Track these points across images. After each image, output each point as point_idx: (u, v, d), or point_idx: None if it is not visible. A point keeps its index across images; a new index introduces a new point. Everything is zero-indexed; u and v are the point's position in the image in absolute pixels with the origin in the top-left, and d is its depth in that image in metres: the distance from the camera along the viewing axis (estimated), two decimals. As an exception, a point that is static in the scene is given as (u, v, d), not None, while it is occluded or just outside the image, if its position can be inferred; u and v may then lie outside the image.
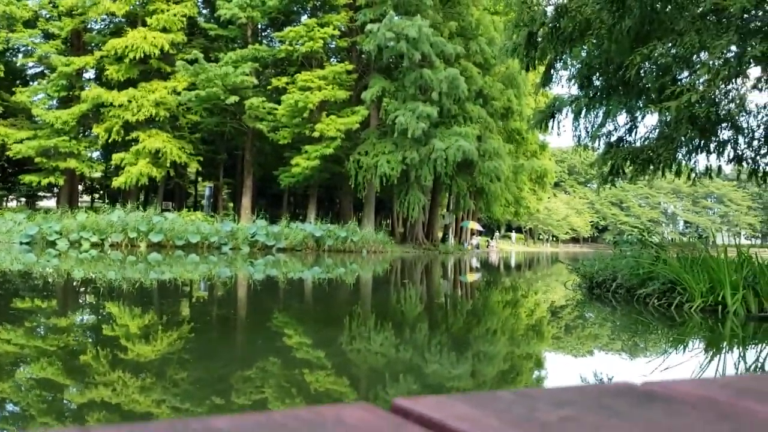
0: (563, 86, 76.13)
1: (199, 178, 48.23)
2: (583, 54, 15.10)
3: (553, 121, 16.65)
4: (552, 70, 15.65)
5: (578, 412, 0.64)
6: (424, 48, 29.57)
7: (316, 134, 30.21)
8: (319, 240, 29.87)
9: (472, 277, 18.82)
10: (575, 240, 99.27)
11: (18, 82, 35.99)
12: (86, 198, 51.25)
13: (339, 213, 38.93)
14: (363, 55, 33.73)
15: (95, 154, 37.49)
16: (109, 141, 31.90)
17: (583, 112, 15.83)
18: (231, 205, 46.46)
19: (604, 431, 0.59)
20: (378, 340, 6.42)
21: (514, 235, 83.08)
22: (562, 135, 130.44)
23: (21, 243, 25.81)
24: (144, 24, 32.65)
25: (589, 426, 0.60)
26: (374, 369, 5.04)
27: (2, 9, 30.61)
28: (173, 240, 27.60)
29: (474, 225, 47.64)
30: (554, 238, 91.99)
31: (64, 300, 9.48)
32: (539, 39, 13.77)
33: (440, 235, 43.53)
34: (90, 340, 5.98)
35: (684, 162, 15.20)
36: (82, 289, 11.13)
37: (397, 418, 0.62)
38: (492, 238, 64.78)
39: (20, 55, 36.88)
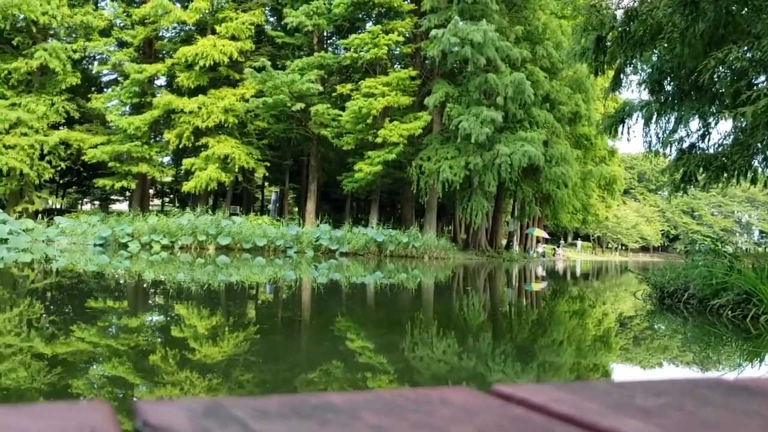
0: (633, 91, 74.03)
1: (266, 183, 49.13)
2: (654, 58, 14.68)
3: (623, 126, 16.25)
4: (621, 75, 15.28)
5: (674, 399, 0.66)
6: (489, 52, 29.30)
7: (379, 140, 30.33)
8: (381, 245, 29.95)
9: (537, 286, 18.50)
10: (645, 249, 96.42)
11: (93, 89, 37.48)
12: (157, 202, 52.88)
13: (400, 218, 38.94)
14: (427, 61, 33.69)
15: (166, 159, 38.69)
16: (180, 146, 32.82)
17: (654, 117, 15.38)
18: (296, 209, 47.12)
19: (703, 417, 0.60)
20: (440, 347, 6.36)
21: (579, 243, 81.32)
22: (632, 141, 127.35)
23: (95, 245, 26.80)
24: (213, 32, 33.49)
25: (688, 412, 0.61)
26: (436, 376, 4.99)
27: (80, 19, 31.93)
28: (241, 243, 28.17)
29: (539, 232, 46.82)
30: (623, 247, 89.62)
31: (135, 301, 9.78)
32: (608, 43, 13.46)
33: (504, 242, 42.99)
34: (159, 340, 6.13)
35: (760, 169, 14.59)
36: (152, 291, 11.46)
37: (498, 401, 0.65)
38: (558, 246, 63.58)
39: (96, 63, 38.41)
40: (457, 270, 23.17)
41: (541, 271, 28.24)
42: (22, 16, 31.19)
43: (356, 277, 16.35)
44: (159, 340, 6.11)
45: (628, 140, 79.67)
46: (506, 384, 0.69)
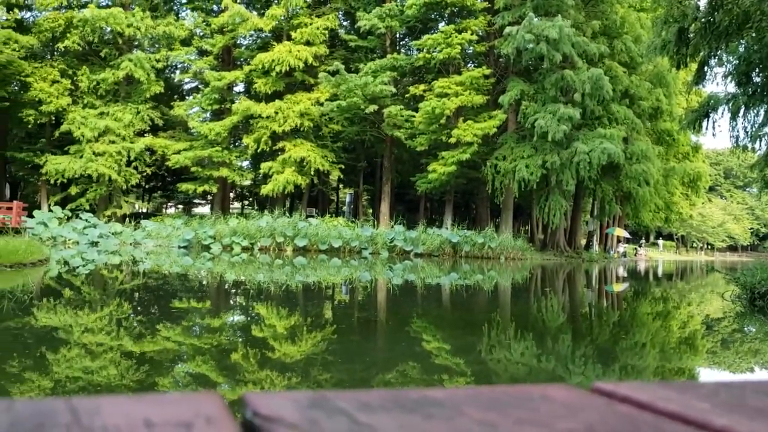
0: (718, 84, 71.08)
1: (341, 185, 49.70)
2: (741, 49, 14.01)
3: (708, 120, 15.60)
4: (705, 67, 14.67)
5: None
6: (565, 49, 28.67)
7: (452, 140, 30.15)
8: (456, 246, 29.78)
9: (618, 287, 17.98)
10: (732, 248, 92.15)
11: (176, 97, 38.79)
12: (237, 205, 54.32)
13: (475, 219, 38.59)
14: (501, 59, 33.25)
15: (245, 163, 39.65)
16: (258, 150, 33.58)
17: (742, 110, 14.69)
18: (370, 210, 47.47)
19: None
20: (518, 349, 6.26)
21: (661, 242, 78.51)
22: (717, 136, 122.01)
23: (179, 247, 27.78)
24: (289, 38, 34.12)
25: None
26: (514, 379, 4.92)
27: (162, 29, 33.14)
28: (317, 244, 28.60)
29: (620, 232, 45.46)
30: (709, 246, 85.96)
31: (218, 300, 10.08)
32: (691, 35, 12.95)
33: (583, 242, 41.97)
34: (240, 339, 6.29)
35: None
36: (234, 291, 11.77)
37: (601, 398, 0.64)
38: (639, 246, 61.62)
39: (177, 72, 39.79)
40: (535, 271, 22.78)
41: (622, 272, 27.43)
42: (108, 29, 32.65)
43: (431, 278, 16.32)
44: (242, 339, 6.27)
45: (713, 135, 76.48)
46: (607, 382, 0.67)
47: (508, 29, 29.20)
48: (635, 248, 58.81)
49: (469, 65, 35.78)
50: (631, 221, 47.49)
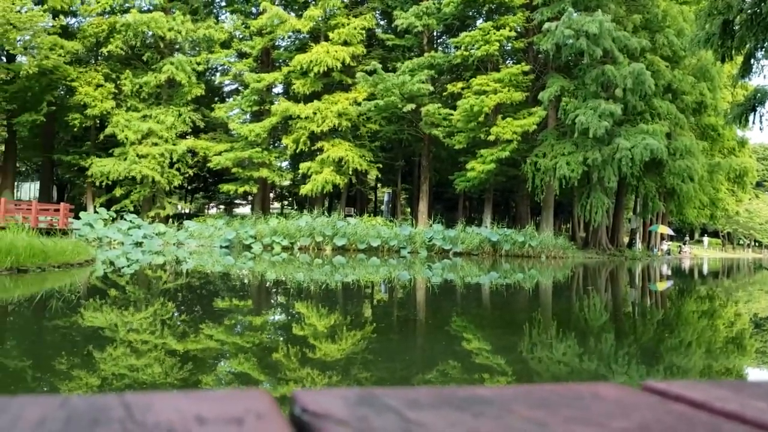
0: (765, 77, 69.20)
1: (379, 185, 49.78)
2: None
3: (755, 114, 15.20)
4: (752, 60, 14.30)
5: None
6: (605, 44, 28.22)
7: (491, 137, 29.94)
8: (496, 244, 29.57)
9: (662, 286, 17.64)
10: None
11: (216, 99, 39.32)
12: (277, 205, 54.83)
13: (515, 217, 38.25)
14: (540, 55, 32.87)
15: (284, 164, 40.00)
16: (297, 151, 33.84)
17: (791, 103, 14.27)
18: (408, 210, 47.43)
19: None
20: (560, 348, 6.19)
21: (706, 239, 76.69)
22: (765, 130, 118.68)
23: (221, 246, 28.18)
24: (326, 39, 34.29)
25: None
26: (557, 378, 4.86)
27: (202, 32, 33.63)
28: (356, 243, 28.72)
29: (664, 229, 44.57)
30: (756, 244, 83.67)
31: (260, 299, 10.19)
32: (736, 27, 12.63)
33: (626, 240, 41.28)
34: (281, 338, 6.35)
35: None
36: (275, 290, 11.89)
37: (653, 397, 0.63)
38: (684, 243, 60.33)
39: (218, 74, 40.36)
40: (577, 269, 22.49)
41: (666, 270, 26.91)
42: (150, 33, 33.28)
43: (471, 277, 16.23)
44: (283, 337, 6.32)
45: (760, 129, 74.67)
46: (658, 381, 0.66)
47: (547, 25, 28.88)
48: (679, 246, 57.60)
49: (507, 62, 35.49)
50: (675, 218, 46.52)
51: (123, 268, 15.60)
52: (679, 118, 32.06)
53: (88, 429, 0.47)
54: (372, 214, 41.61)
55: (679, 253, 54.20)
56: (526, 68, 31.10)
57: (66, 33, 32.86)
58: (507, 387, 0.63)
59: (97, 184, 32.92)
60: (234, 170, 34.52)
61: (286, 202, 55.26)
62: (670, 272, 25.42)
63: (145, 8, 34.56)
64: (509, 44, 32.99)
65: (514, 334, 7.04)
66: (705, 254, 63.03)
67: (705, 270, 29.28)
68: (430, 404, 0.57)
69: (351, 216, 35.01)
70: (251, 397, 0.56)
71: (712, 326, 8.52)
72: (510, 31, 31.27)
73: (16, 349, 5.39)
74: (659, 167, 31.92)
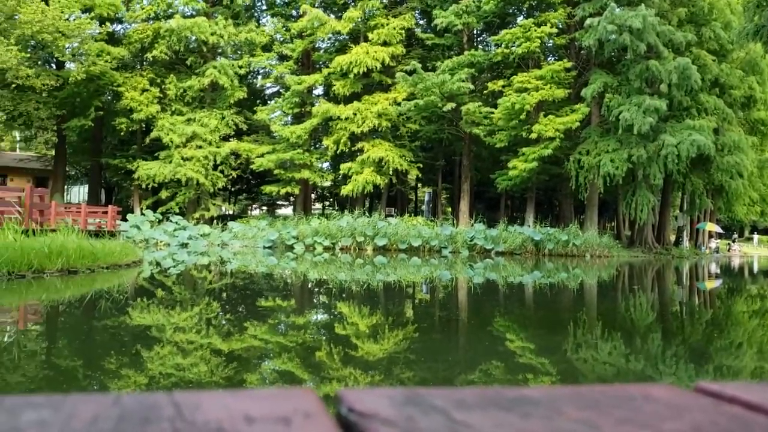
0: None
1: (419, 184, 49.68)
2: None
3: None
4: (805, 50, 13.84)
5: None
6: (649, 38, 27.66)
7: (533, 135, 29.61)
8: (539, 243, 29.25)
9: (711, 284, 17.22)
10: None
11: (258, 101, 39.75)
12: (318, 205, 55.17)
13: (558, 216, 37.76)
14: (582, 51, 32.40)
15: (325, 165, 40.25)
16: (337, 152, 34.00)
17: None
18: (449, 209, 47.24)
19: None
20: (605, 348, 6.09)
21: (756, 237, 74.50)
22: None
23: (264, 247, 28.52)
24: (366, 39, 34.38)
25: None
26: (602, 379, 4.78)
27: (244, 36, 34.05)
28: (397, 244, 28.74)
29: (712, 227, 43.45)
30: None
31: (303, 299, 10.27)
32: (788, 16, 12.24)
33: (673, 238, 40.40)
34: (324, 337, 6.39)
35: None
36: (318, 290, 11.98)
37: (706, 399, 0.62)
38: (733, 241, 58.75)
39: (259, 77, 40.82)
40: (622, 269, 22.11)
41: (714, 268, 26.26)
42: (193, 38, 33.83)
43: (513, 277, 16.10)
44: (326, 337, 6.37)
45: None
46: (711, 382, 0.64)
47: (589, 20, 28.46)
48: (728, 243, 56.12)
49: (549, 59, 35.06)
50: (724, 215, 45.33)
51: (169, 268, 15.90)
52: (726, 113, 31.25)
53: (140, 427, 0.48)
54: (412, 214, 41.57)
55: (728, 251, 52.80)
56: (568, 65, 30.71)
57: (112, 39, 33.63)
58: (554, 387, 0.62)
59: (144, 186, 33.62)
60: (276, 172, 34.89)
61: (327, 203, 55.55)
62: (719, 271, 24.80)
63: (188, 13, 35.17)
64: (550, 41, 32.60)
65: (558, 334, 6.96)
66: (755, 252, 61.27)
67: (755, 268, 28.48)
68: (477, 405, 0.57)
69: (391, 216, 35.04)
70: (298, 396, 0.57)
71: (764, 326, 8.28)
72: (551, 27, 30.89)
73: (68, 348, 5.54)
74: (707, 163, 31.18)
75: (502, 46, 31.74)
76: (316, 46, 37.58)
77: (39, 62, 31.26)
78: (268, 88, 41.69)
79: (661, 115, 27.90)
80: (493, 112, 30.84)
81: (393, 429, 0.50)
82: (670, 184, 34.54)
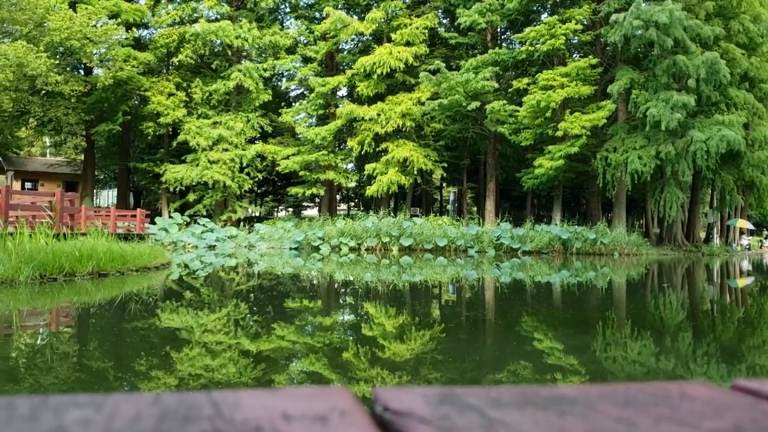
0: None
1: (444, 184, 49.64)
2: None
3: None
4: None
5: None
6: (676, 33, 27.31)
7: (559, 133, 29.40)
8: (566, 242, 29.01)
9: (743, 282, 16.93)
10: None
11: (283, 104, 40.06)
12: (343, 206, 55.37)
13: (586, 214, 37.44)
14: (608, 47, 32.11)
15: (350, 166, 40.41)
16: (362, 153, 34.12)
17: None
18: (475, 209, 47.10)
19: None
20: (635, 347, 6.02)
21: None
22: None
23: (290, 248, 28.68)
24: (389, 40, 34.44)
25: None
26: (633, 378, 4.73)
27: (268, 39, 34.34)
28: (422, 244, 28.72)
29: (743, 223, 42.76)
30: None
31: (330, 300, 10.31)
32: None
33: (703, 235, 39.83)
34: (351, 338, 6.41)
35: None
36: (344, 290, 12.01)
37: (745, 397, 0.61)
38: (765, 238, 57.74)
39: (284, 80, 41.13)
40: (651, 267, 21.84)
41: (746, 266, 25.81)
42: (218, 42, 34.23)
43: (541, 276, 15.98)
44: (352, 337, 6.38)
45: None
46: (750, 379, 0.63)
47: (614, 16, 28.17)
48: (760, 240, 55.18)
49: (574, 55, 34.81)
50: (755, 212, 44.57)
51: (197, 270, 16.06)
52: (757, 107, 30.72)
53: (180, 426, 0.48)
54: (438, 214, 41.51)
55: (760, 248, 51.91)
56: (594, 61, 30.43)
57: (139, 45, 34.12)
58: (590, 386, 0.62)
59: (171, 189, 34.02)
60: (301, 173, 35.08)
61: (352, 204, 55.74)
62: (750, 268, 24.37)
63: (213, 17, 35.53)
64: (575, 37, 32.36)
65: (588, 333, 6.89)
66: (789, 249, 60.11)
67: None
68: (513, 403, 0.57)
69: (417, 216, 35.02)
70: (334, 394, 0.57)
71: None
72: (576, 24, 30.65)
73: (101, 349, 5.63)
74: (737, 159, 30.68)
75: (527, 43, 31.55)
76: (340, 47, 37.70)
77: (68, 68, 31.79)
78: (292, 90, 41.93)
79: (689, 110, 27.52)
80: (518, 111, 30.68)
81: (429, 427, 0.50)
82: (700, 180, 34.06)
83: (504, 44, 37.38)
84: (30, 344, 5.63)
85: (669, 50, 27.88)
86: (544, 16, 33.94)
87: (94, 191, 40.44)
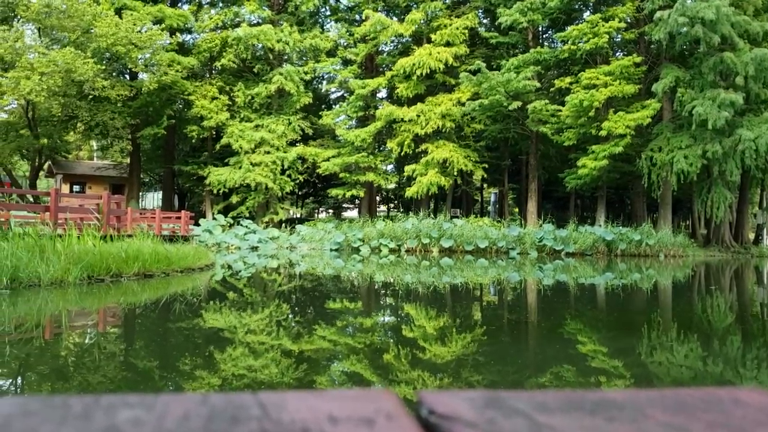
0: None
1: (485, 185, 49.29)
2: None
3: None
4: None
5: None
6: (723, 30, 26.64)
7: (603, 133, 28.94)
8: (611, 244, 28.54)
9: (794, 284, 16.42)
10: None
11: (323, 106, 40.32)
12: (383, 208, 55.44)
13: (630, 215, 36.78)
14: (652, 45, 31.50)
15: (389, 167, 40.44)
16: (401, 154, 34.11)
17: None
18: (516, 210, 46.69)
19: None
20: (681, 351, 5.89)
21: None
22: None
23: (331, 249, 28.85)
24: (429, 41, 34.37)
25: None
26: (678, 382, 4.63)
27: (309, 42, 34.61)
28: (463, 245, 28.57)
29: (794, 224, 41.55)
30: None
31: (370, 301, 10.34)
32: None
33: (752, 236, 38.79)
34: (391, 339, 6.41)
35: None
36: (385, 292, 12.03)
37: None
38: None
39: (324, 82, 41.40)
40: (698, 268, 21.34)
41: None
42: (260, 45, 34.64)
43: (584, 278, 15.76)
44: (393, 339, 6.39)
45: None
46: None
47: (658, 14, 27.63)
48: (814, 242, 53.36)
49: (617, 54, 34.26)
50: (808, 212, 43.17)
51: (240, 271, 16.27)
52: (809, 104, 29.77)
53: (229, 426, 0.49)
54: (478, 215, 41.26)
55: (814, 249, 50.20)
56: (638, 59, 29.88)
57: (182, 49, 34.72)
58: (638, 390, 0.61)
59: (215, 192, 34.53)
60: (342, 175, 35.26)
61: (392, 205, 55.77)
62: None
63: (255, 21, 35.96)
64: (618, 36, 31.83)
65: (631, 336, 6.77)
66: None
67: None
68: (559, 408, 0.56)
69: (457, 217, 34.86)
70: (379, 397, 0.57)
71: None
72: (619, 22, 30.16)
73: (145, 350, 5.74)
74: (788, 158, 29.77)
75: (569, 42, 31.16)
76: (379, 49, 37.77)
77: (114, 73, 32.53)
78: (332, 92, 42.17)
79: (737, 108, 26.82)
80: (560, 110, 30.32)
81: (475, 431, 0.50)
82: (748, 180, 33.19)
83: (545, 43, 36.98)
84: (78, 344, 5.77)
85: (716, 47, 27.22)
86: (586, 15, 33.48)
87: (140, 194, 41.29)
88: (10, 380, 4.32)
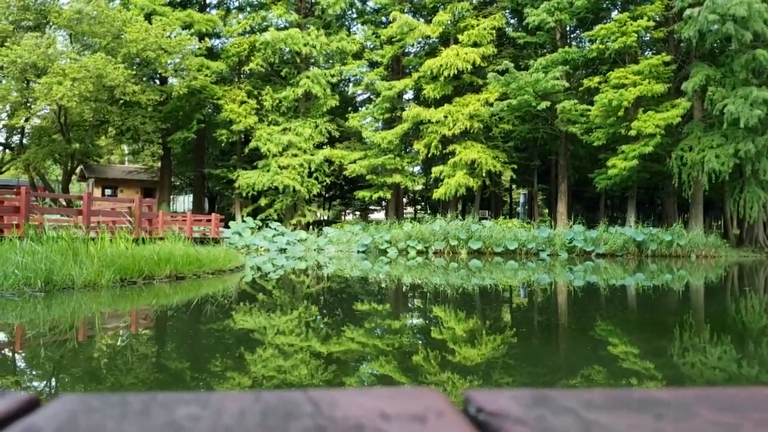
0: None
1: (513, 186, 48.99)
2: None
3: None
4: None
5: None
6: (755, 26, 26.17)
7: (632, 132, 28.60)
8: (641, 244, 28.20)
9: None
10: None
11: (350, 108, 40.46)
12: (410, 209, 55.37)
13: (661, 215, 36.29)
14: (681, 44, 31.07)
15: (416, 169, 40.40)
16: (428, 155, 34.08)
17: None
18: (546, 211, 46.33)
19: None
20: (714, 353, 5.82)
21: None
22: None
23: (358, 251, 28.92)
24: (456, 41, 34.28)
25: None
26: (709, 384, 4.57)
27: (335, 45, 34.78)
28: (491, 247, 28.43)
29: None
30: None
31: (398, 303, 10.36)
32: None
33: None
34: (420, 342, 6.43)
35: None
36: (413, 294, 12.05)
37: None
38: None
39: (351, 85, 41.50)
40: (731, 269, 20.99)
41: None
42: (287, 49, 34.88)
43: (615, 280, 15.61)
44: (422, 341, 6.41)
45: None
46: None
47: (688, 11, 27.24)
48: None
49: (646, 53, 33.83)
50: None
51: (269, 273, 16.40)
52: None
53: (283, 422, 0.50)
54: (507, 216, 41.01)
55: None
56: (667, 58, 29.49)
57: (211, 54, 35.12)
58: (684, 389, 0.62)
59: (244, 194, 34.85)
60: (368, 177, 35.33)
61: (419, 207, 55.69)
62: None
63: (282, 26, 36.22)
64: (647, 34, 31.45)
65: (663, 338, 6.70)
66: None
67: None
68: (606, 406, 0.56)
69: (485, 219, 34.71)
70: (427, 395, 0.57)
71: None
72: (648, 20, 29.80)
73: (177, 351, 5.84)
74: (825, 156, 29.12)
75: (597, 41, 30.88)
76: (406, 51, 37.80)
77: (144, 78, 33.01)
78: (359, 95, 42.27)
79: (770, 106, 26.33)
80: (589, 110, 30.06)
81: (526, 428, 0.50)
82: (784, 179, 32.50)
83: (573, 43, 36.67)
84: (112, 345, 5.89)
85: (748, 44, 26.76)
86: (614, 14, 33.14)
87: (171, 197, 41.82)
88: (54, 379, 4.43)
